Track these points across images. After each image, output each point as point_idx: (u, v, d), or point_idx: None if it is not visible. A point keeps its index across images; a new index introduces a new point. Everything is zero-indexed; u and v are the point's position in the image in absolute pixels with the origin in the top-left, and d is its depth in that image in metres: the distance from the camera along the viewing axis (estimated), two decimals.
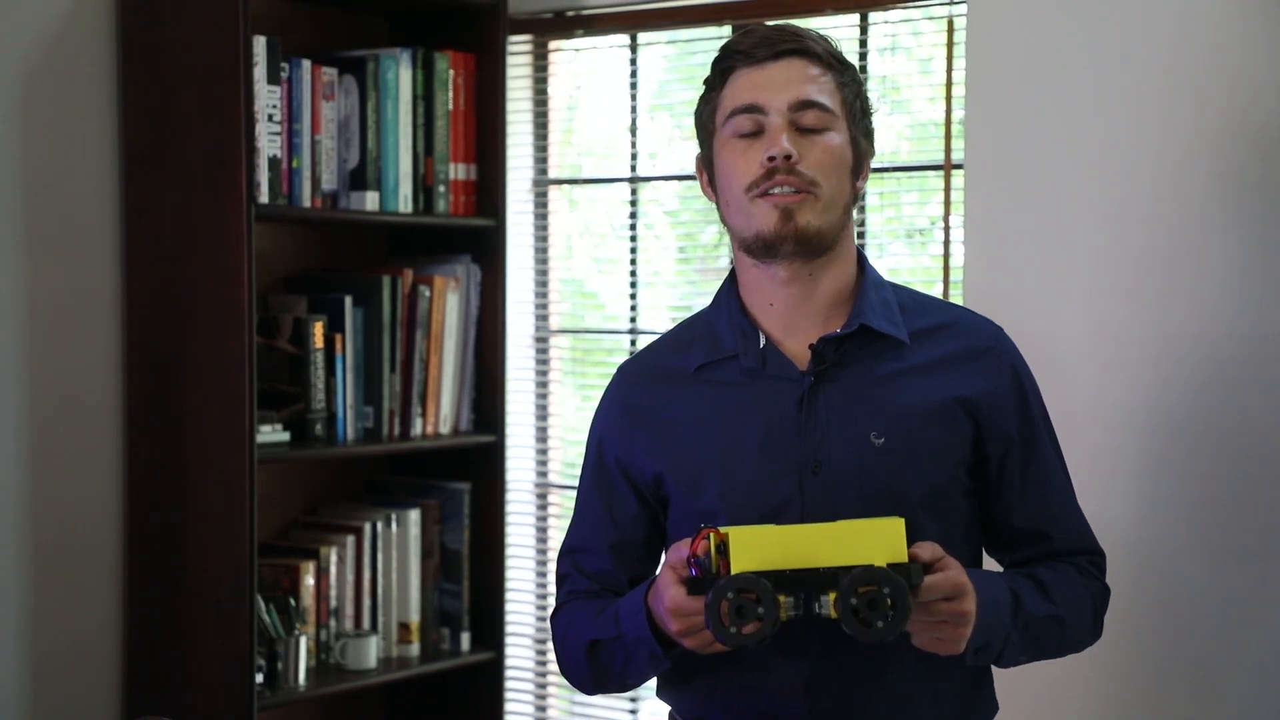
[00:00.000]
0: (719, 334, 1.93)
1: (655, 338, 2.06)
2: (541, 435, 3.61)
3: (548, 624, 2.05)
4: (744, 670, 1.85)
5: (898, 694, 1.85)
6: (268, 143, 3.02)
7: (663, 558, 1.98)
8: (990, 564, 2.01)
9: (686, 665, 1.87)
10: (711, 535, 1.71)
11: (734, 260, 1.95)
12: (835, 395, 1.87)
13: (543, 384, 3.60)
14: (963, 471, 1.89)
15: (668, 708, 1.98)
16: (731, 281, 1.96)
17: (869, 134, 1.92)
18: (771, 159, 1.82)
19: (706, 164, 1.94)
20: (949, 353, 1.91)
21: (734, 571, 1.68)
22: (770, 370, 1.88)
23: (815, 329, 1.89)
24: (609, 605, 1.90)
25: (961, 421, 1.88)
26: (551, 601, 2.16)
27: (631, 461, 1.94)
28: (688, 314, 2.07)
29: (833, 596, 1.67)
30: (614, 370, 2.04)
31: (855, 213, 3.04)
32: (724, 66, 1.90)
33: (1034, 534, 1.94)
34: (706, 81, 1.93)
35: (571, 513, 2.04)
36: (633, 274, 3.46)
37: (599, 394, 2.04)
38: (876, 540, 1.69)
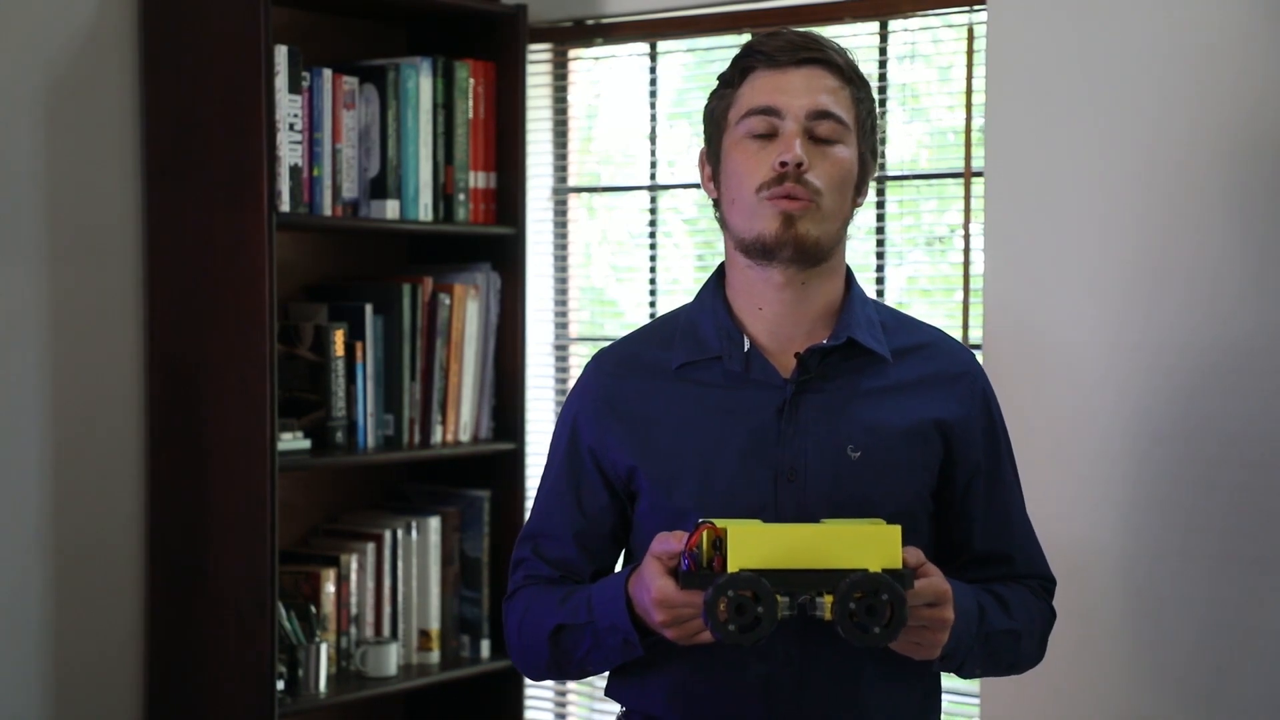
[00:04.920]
0: (702, 334, 1.93)
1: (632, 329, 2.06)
2: None
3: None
4: (704, 670, 1.86)
5: (856, 701, 1.86)
6: (289, 152, 3.03)
7: (626, 550, 1.99)
8: None
9: (645, 662, 1.88)
10: (707, 531, 1.71)
11: (725, 259, 1.96)
12: (816, 406, 1.88)
13: (562, 391, 3.61)
14: (927, 493, 1.91)
15: (619, 707, 1.98)
16: (717, 281, 1.96)
17: (874, 152, 1.94)
18: (784, 164, 1.83)
19: (712, 159, 1.94)
20: (926, 374, 1.93)
21: (730, 568, 1.68)
22: (754, 375, 1.89)
23: (801, 338, 1.90)
24: (575, 591, 1.90)
25: (935, 443, 1.90)
26: None
27: (605, 453, 1.94)
28: None
29: (829, 599, 1.68)
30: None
31: (874, 220, 3.09)
32: (744, 65, 1.90)
33: (993, 557, 1.96)
34: (723, 77, 1.93)
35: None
36: (652, 282, 3.46)
37: None
38: (872, 545, 1.70)
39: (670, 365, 1.93)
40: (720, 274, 1.96)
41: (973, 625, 1.84)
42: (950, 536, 1.96)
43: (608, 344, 2.03)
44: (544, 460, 3.61)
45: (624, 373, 1.96)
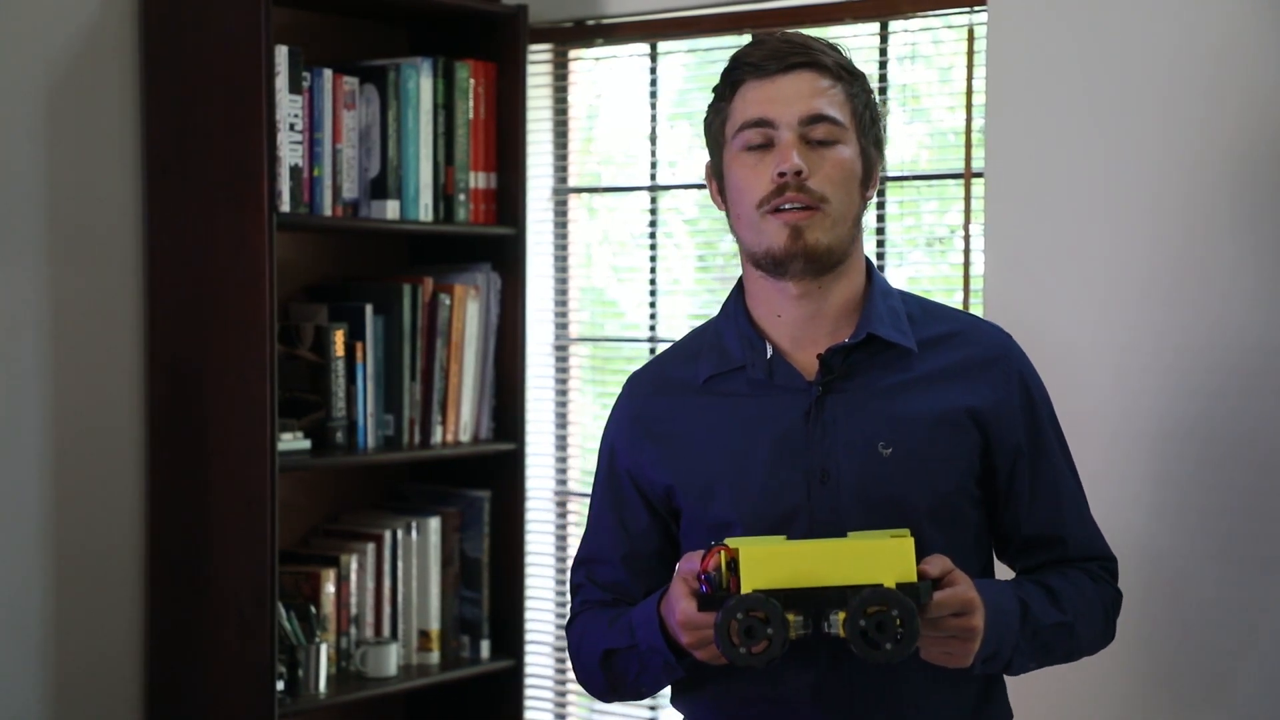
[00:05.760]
0: (726, 345, 1.93)
1: (666, 347, 2.07)
2: (561, 443, 3.61)
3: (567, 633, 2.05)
4: (755, 680, 1.85)
5: (907, 704, 1.85)
6: (289, 152, 3.03)
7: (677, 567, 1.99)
8: (1001, 570, 2.01)
9: (699, 675, 1.87)
10: (721, 552, 1.71)
11: (742, 270, 1.95)
12: (843, 405, 1.86)
13: (562, 392, 3.61)
14: (971, 481, 1.89)
15: (681, 717, 1.99)
16: (739, 291, 1.96)
17: (879, 143, 1.92)
18: (782, 175, 1.82)
19: (716, 173, 1.93)
20: (957, 362, 1.90)
21: (743, 589, 1.68)
22: (778, 381, 1.88)
23: (823, 339, 1.89)
24: (622, 614, 1.90)
25: (969, 431, 1.88)
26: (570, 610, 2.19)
27: (642, 474, 1.94)
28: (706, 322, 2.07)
29: (842, 616, 1.67)
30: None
31: (875, 221, 3.09)
32: (734, 78, 1.89)
33: (1045, 541, 1.94)
34: (716, 91, 1.92)
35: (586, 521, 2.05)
36: (652, 282, 3.46)
37: None
38: (886, 559, 1.69)
39: (697, 380, 1.93)
40: (742, 284, 1.96)
41: (1014, 624, 1.81)
42: (1001, 523, 1.94)
43: (640, 366, 2.04)
44: (543, 461, 3.64)
45: (654, 392, 1.97)
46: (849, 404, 1.86)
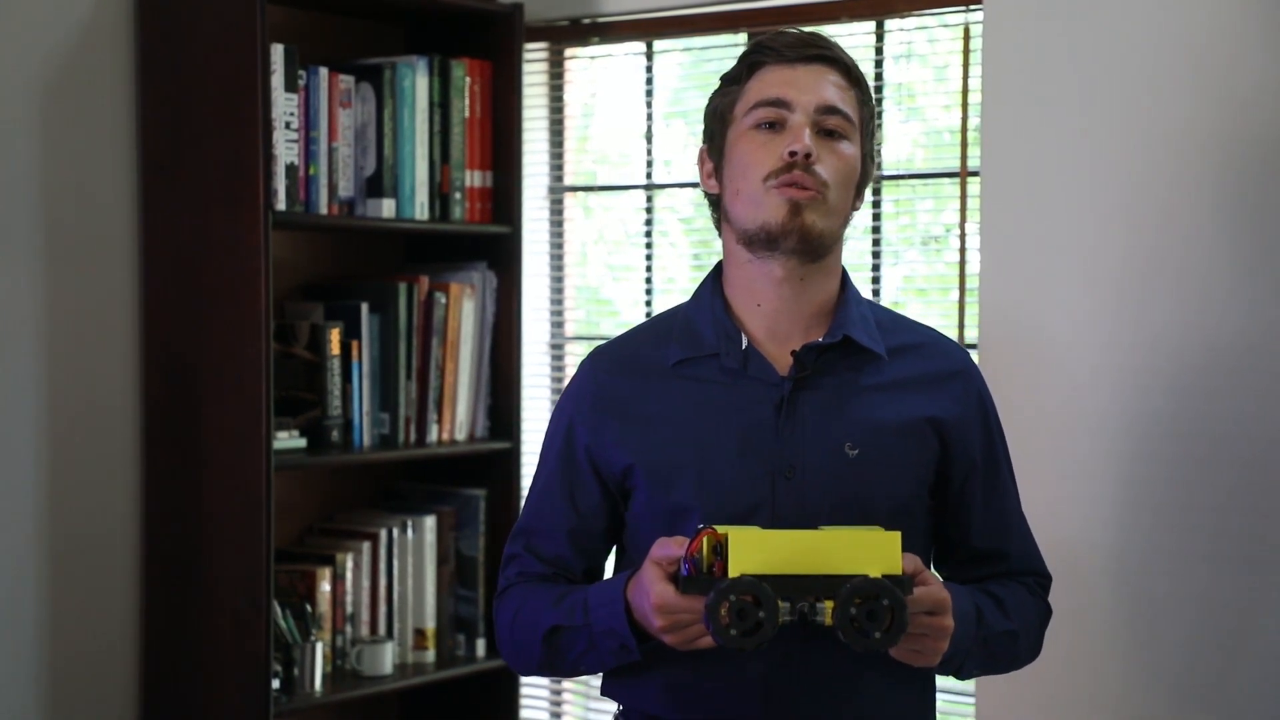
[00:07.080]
0: (700, 331, 1.94)
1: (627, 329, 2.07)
2: None
3: None
4: (702, 670, 1.86)
5: (853, 702, 1.87)
6: (285, 150, 3.03)
7: (619, 548, 2.00)
8: None
9: (642, 662, 1.87)
10: (707, 536, 1.71)
11: (724, 257, 1.96)
12: (813, 403, 1.88)
13: (558, 390, 3.61)
14: (924, 489, 1.92)
15: (615, 705, 1.98)
16: (715, 279, 1.97)
17: (873, 157, 1.96)
18: (793, 154, 1.84)
19: (714, 155, 1.95)
20: (922, 373, 1.94)
21: (731, 573, 1.68)
22: (751, 372, 1.90)
23: (798, 336, 1.91)
24: (570, 592, 1.91)
25: (930, 441, 1.91)
26: None
27: (601, 452, 1.94)
28: None
29: (830, 604, 1.68)
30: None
31: (870, 219, 3.09)
32: (752, 61, 1.92)
33: (990, 554, 1.98)
34: (727, 76, 1.95)
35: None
36: (648, 281, 3.47)
37: None
38: (872, 551, 1.70)
39: (666, 363, 1.93)
40: (718, 272, 1.97)
41: (971, 628, 1.84)
42: (947, 533, 1.97)
43: (602, 343, 2.04)
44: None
45: (620, 371, 1.97)
46: (820, 402, 1.89)
